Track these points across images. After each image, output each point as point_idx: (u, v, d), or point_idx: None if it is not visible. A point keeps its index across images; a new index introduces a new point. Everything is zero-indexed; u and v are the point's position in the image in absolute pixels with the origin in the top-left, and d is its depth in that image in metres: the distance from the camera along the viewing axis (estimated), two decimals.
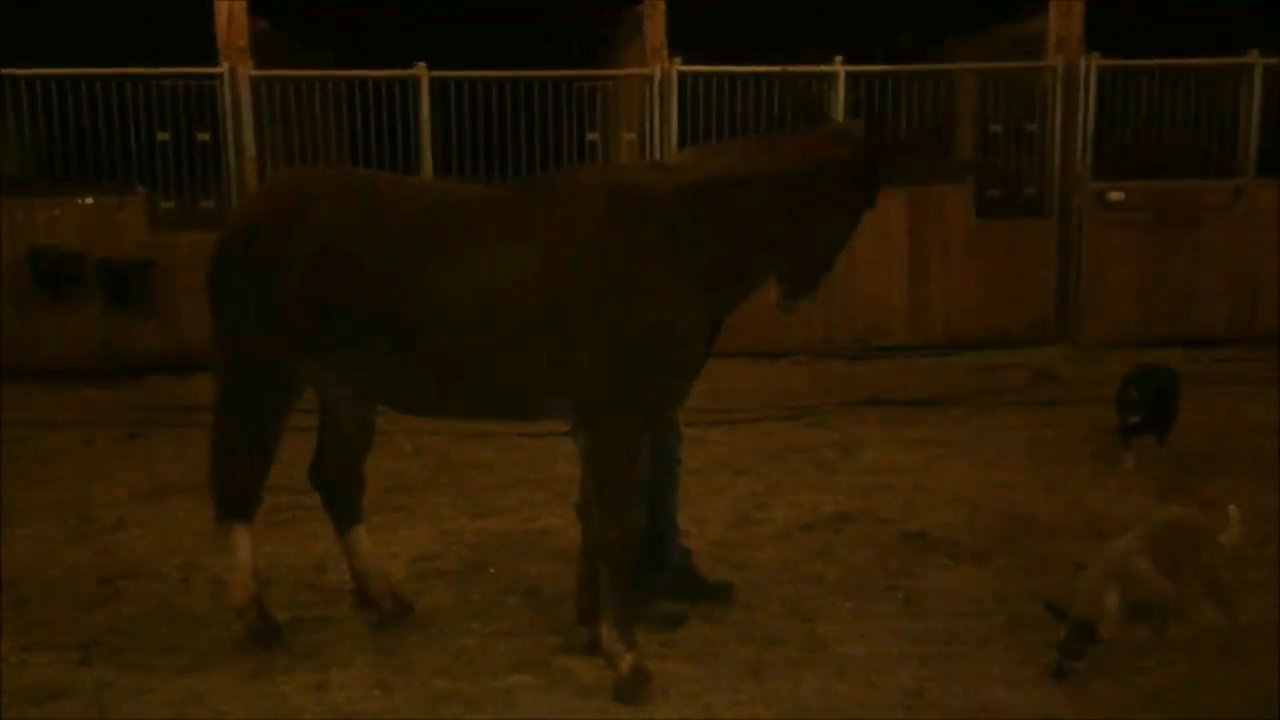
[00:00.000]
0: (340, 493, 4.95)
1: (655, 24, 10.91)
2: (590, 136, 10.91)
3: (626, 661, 4.30)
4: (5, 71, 10.23)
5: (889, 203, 10.97)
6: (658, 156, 10.67)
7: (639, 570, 4.70)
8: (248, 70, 10.44)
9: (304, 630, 4.88)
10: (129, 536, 6.15)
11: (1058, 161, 11.20)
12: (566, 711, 4.19)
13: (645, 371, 4.24)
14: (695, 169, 4.38)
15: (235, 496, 4.70)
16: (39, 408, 9.17)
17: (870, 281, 10.97)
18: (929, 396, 9.18)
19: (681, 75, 10.70)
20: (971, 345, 10.96)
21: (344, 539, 4.99)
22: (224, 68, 10.41)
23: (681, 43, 10.89)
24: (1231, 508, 4.38)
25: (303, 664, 4.56)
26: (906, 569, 5.56)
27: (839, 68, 10.83)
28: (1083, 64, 10.97)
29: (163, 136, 10.33)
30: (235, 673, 4.50)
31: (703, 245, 4.29)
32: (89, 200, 10.38)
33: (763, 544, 5.92)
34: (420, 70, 10.54)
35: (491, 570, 5.60)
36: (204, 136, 10.40)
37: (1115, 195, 11.07)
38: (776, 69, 10.70)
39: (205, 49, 10.58)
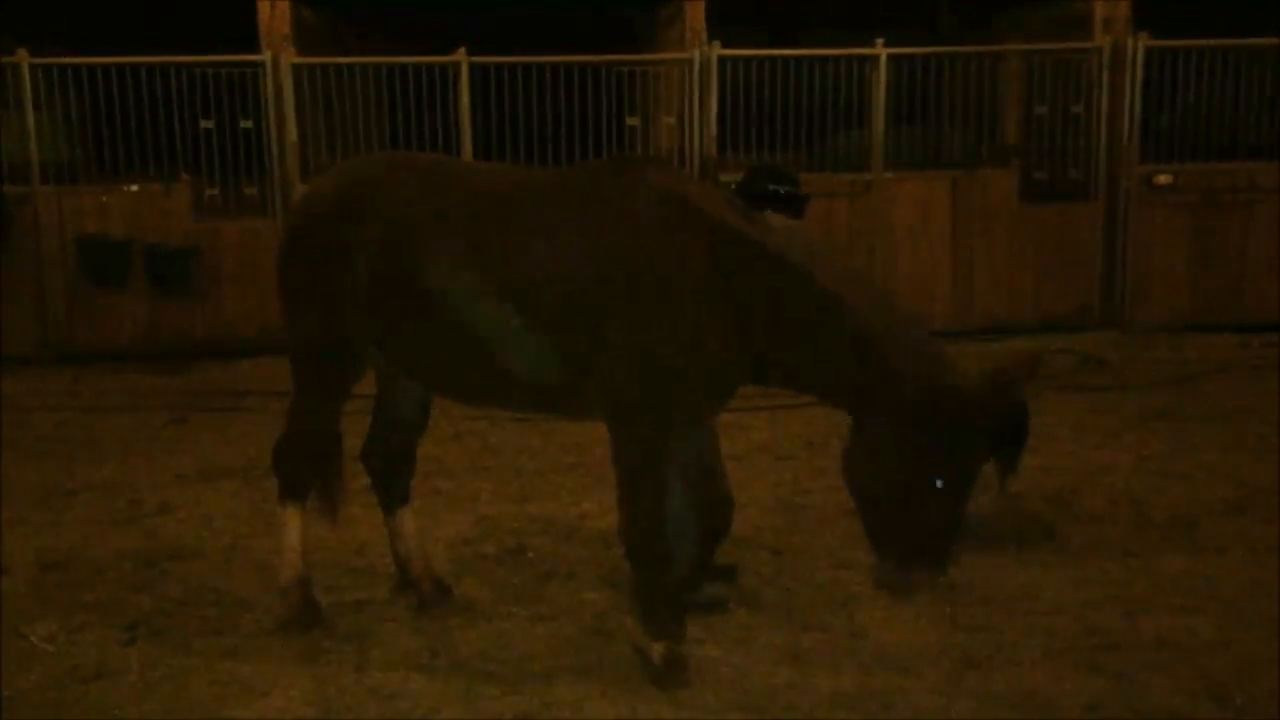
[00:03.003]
0: (390, 475, 5.00)
1: (695, 7, 10.86)
2: (630, 121, 10.88)
3: (658, 651, 4.29)
4: (51, 60, 10.37)
5: (932, 186, 10.94)
6: (698, 141, 10.64)
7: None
8: (290, 58, 10.50)
9: (345, 612, 4.92)
10: (174, 519, 6.23)
11: (1104, 144, 11.03)
12: (605, 695, 4.19)
13: (665, 382, 4.16)
14: (794, 249, 4.14)
15: (292, 477, 4.77)
16: (87, 392, 9.32)
17: (913, 266, 10.88)
18: None
19: (722, 59, 10.64)
20: (1017, 330, 10.84)
21: (389, 520, 5.03)
22: (266, 55, 10.48)
23: (724, 24, 10.84)
24: None
25: (344, 646, 4.61)
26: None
27: (881, 50, 10.72)
28: (1130, 44, 10.79)
29: (206, 124, 10.42)
30: (277, 654, 4.55)
31: (749, 313, 4.11)
32: (135, 188, 10.51)
33: (803, 529, 5.90)
34: (460, 56, 10.55)
35: (531, 555, 5.62)
36: (247, 124, 10.48)
37: (1163, 178, 10.89)
38: (817, 52, 10.64)
39: (247, 36, 10.66)
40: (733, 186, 5.04)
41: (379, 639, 4.68)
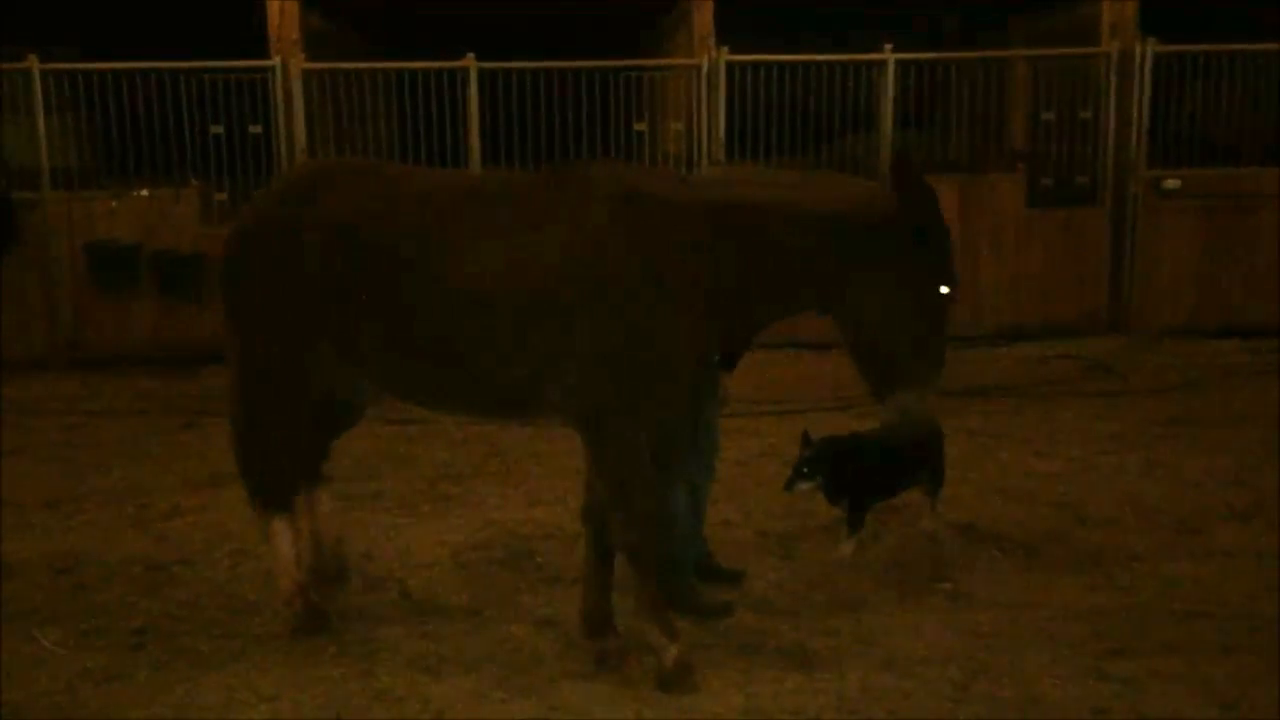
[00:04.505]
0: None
1: (703, 13, 10.88)
2: (638, 127, 10.89)
3: (671, 654, 4.29)
4: (61, 66, 10.41)
5: (940, 190, 10.87)
6: (706, 146, 10.66)
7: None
8: (299, 63, 10.54)
9: (351, 618, 4.93)
10: (183, 524, 6.25)
11: (1112, 149, 11.02)
12: (611, 701, 4.20)
13: (632, 378, 4.16)
14: (723, 189, 4.28)
15: (269, 488, 4.76)
16: (96, 397, 9.34)
17: None
18: (980, 387, 9.07)
19: (729, 64, 10.65)
20: (1024, 335, 10.83)
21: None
22: (275, 61, 10.51)
23: (733, 28, 10.86)
24: None
25: (350, 651, 4.62)
26: (955, 560, 5.51)
27: (889, 55, 10.72)
28: (1138, 50, 10.78)
29: (216, 130, 10.46)
30: (284, 659, 4.57)
31: (711, 266, 4.16)
32: (144, 193, 10.55)
33: (810, 534, 5.90)
34: (469, 61, 10.58)
35: (538, 559, 5.62)
36: (256, 129, 10.51)
37: (1171, 183, 10.87)
38: (825, 58, 10.65)
39: (257, 42, 10.71)
40: None
41: (386, 643, 4.69)
